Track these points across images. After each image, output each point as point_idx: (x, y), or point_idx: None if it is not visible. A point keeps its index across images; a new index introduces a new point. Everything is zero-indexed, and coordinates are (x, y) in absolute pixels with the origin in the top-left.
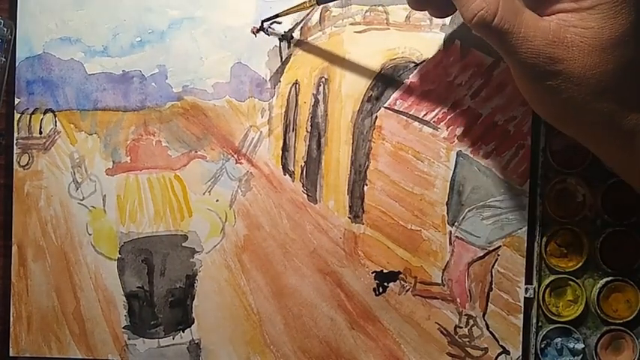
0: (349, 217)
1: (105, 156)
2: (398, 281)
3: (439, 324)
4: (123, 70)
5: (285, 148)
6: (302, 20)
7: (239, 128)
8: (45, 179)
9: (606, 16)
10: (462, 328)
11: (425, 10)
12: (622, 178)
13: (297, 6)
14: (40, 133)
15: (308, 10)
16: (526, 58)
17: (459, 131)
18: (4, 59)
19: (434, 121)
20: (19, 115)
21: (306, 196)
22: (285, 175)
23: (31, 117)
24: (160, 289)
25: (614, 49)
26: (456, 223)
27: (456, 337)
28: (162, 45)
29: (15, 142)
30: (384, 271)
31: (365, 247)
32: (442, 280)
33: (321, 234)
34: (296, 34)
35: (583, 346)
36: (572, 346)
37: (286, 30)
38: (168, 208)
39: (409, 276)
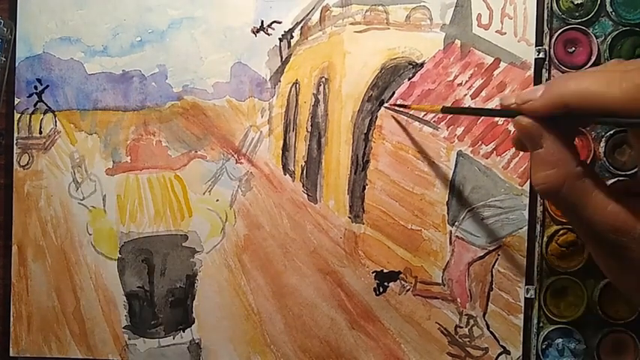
0: (349, 217)
1: (105, 156)
2: (398, 281)
3: (439, 324)
4: (123, 70)
5: (285, 148)
6: (302, 20)
7: (239, 128)
8: (45, 179)
9: None
10: (462, 327)
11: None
12: None
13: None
14: (40, 133)
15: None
16: (590, 235)
17: (459, 131)
18: (4, 59)
19: (434, 121)
20: (19, 114)
21: (306, 195)
22: (285, 174)
23: (31, 117)
24: (160, 289)
25: None
26: (456, 223)
27: (457, 336)
28: (162, 45)
29: (15, 142)
30: (385, 270)
31: (365, 246)
32: (442, 280)
33: (322, 234)
34: (296, 34)
35: (584, 346)
36: (573, 347)
37: (286, 30)
38: (169, 208)
39: (409, 276)
